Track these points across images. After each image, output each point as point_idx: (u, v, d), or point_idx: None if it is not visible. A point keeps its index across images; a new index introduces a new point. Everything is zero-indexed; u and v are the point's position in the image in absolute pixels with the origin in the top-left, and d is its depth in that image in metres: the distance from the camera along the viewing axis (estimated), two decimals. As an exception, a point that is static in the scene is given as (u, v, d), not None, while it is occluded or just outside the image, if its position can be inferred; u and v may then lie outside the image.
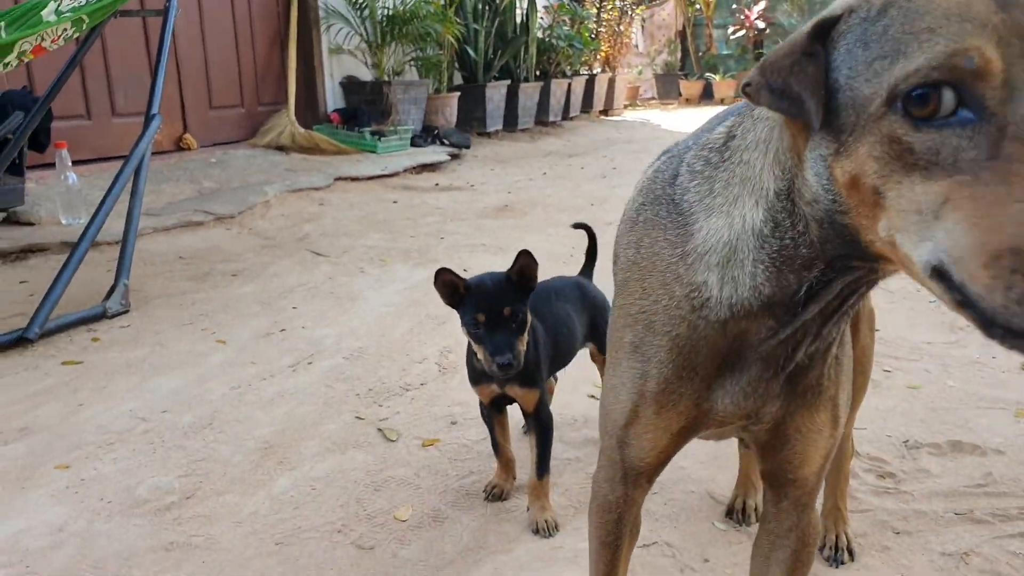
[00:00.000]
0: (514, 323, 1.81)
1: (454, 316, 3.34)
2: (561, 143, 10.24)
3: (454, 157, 8.29)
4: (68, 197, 4.82)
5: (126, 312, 3.50)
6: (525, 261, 1.85)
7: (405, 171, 7.36)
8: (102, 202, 3.59)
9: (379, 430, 2.44)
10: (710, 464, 2.25)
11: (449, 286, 1.86)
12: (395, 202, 6.19)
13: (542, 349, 2.01)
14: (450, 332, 3.27)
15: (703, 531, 1.95)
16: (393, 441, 2.38)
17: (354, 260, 4.44)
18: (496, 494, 2.08)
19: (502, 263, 4.43)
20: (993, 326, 0.69)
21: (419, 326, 3.35)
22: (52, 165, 4.95)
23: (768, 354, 1.00)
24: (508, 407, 2.12)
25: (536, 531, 1.94)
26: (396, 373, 2.86)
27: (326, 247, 4.72)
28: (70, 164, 4.83)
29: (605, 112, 14.10)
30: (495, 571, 1.81)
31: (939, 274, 0.72)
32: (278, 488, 2.13)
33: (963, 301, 0.71)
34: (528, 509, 1.99)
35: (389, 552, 1.87)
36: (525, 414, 2.03)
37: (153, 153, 4.81)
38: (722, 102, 19.05)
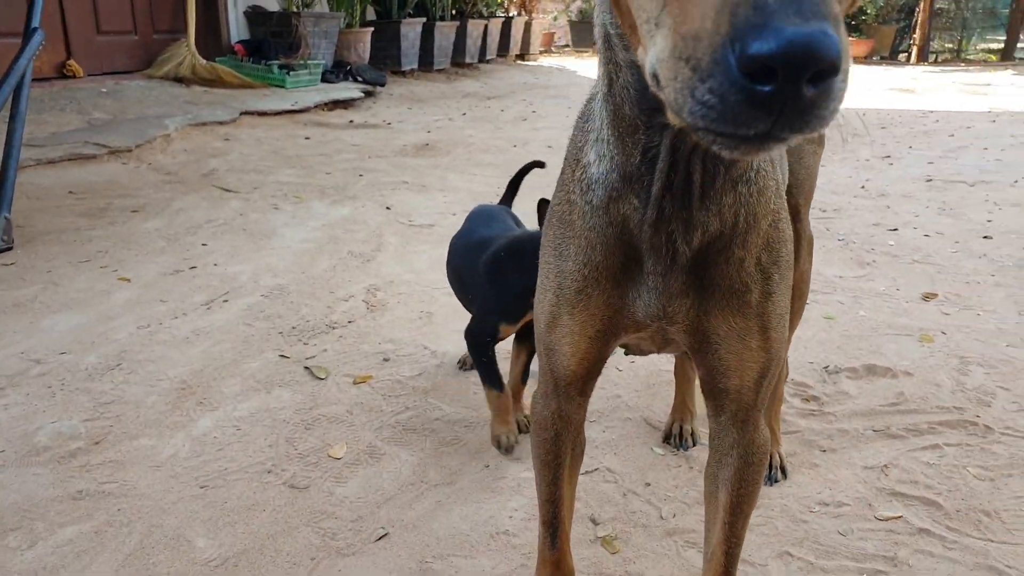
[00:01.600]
0: None
1: (380, 253, 3.22)
2: (479, 85, 10.01)
3: (368, 95, 7.97)
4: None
5: (9, 249, 3.19)
6: None
7: (316, 107, 7.02)
8: (-22, 126, 3.22)
9: (306, 368, 2.32)
10: (644, 392, 2.26)
11: None
12: (307, 138, 5.90)
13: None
14: (375, 270, 3.15)
15: (642, 456, 1.96)
16: (322, 379, 2.27)
17: (266, 196, 4.21)
18: (504, 445, 1.96)
19: (426, 202, 4.35)
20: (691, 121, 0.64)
21: (341, 263, 3.21)
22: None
23: (652, 243, 0.99)
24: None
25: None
26: (320, 311, 2.73)
27: (235, 183, 4.45)
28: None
29: (521, 57, 13.89)
30: (438, 503, 1.76)
31: (655, 80, 0.67)
32: (199, 429, 2.00)
33: (668, 103, 0.65)
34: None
35: (324, 491, 1.79)
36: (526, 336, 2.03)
37: (32, 79, 4.37)
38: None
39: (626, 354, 1.51)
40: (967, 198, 4.37)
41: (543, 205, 1.75)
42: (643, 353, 1.33)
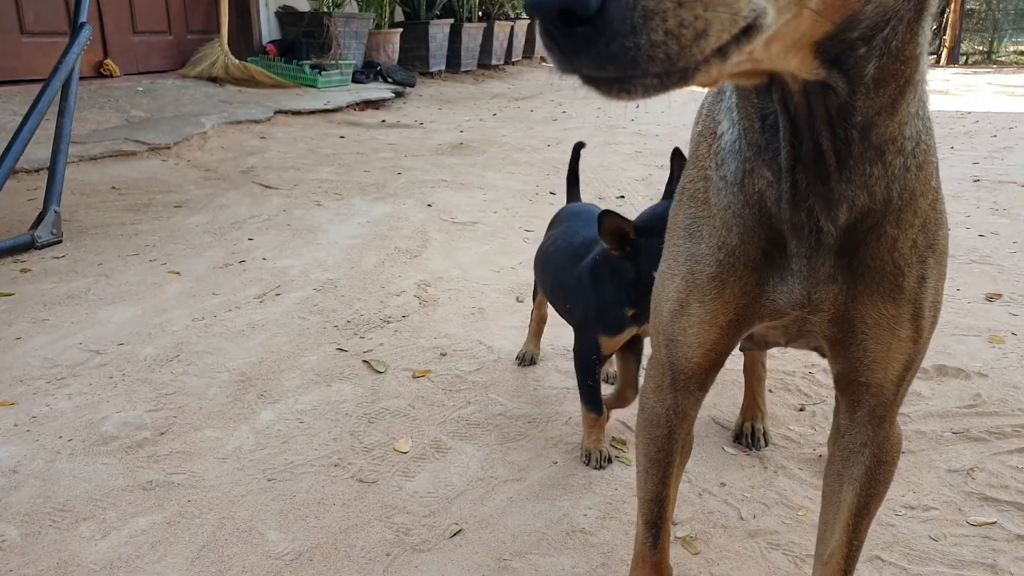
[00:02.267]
0: None
1: (426, 250, 3.17)
2: (506, 86, 10.00)
3: (398, 95, 7.98)
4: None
5: (58, 242, 3.20)
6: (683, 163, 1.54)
7: (348, 107, 7.03)
8: (26, 118, 3.24)
9: (365, 362, 2.30)
10: (711, 392, 2.21)
11: (616, 233, 1.62)
12: (342, 137, 5.89)
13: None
14: (423, 266, 3.12)
15: (714, 456, 1.91)
16: (381, 373, 2.24)
17: (307, 193, 4.20)
18: (596, 459, 1.85)
19: (466, 200, 4.33)
20: None
21: (389, 259, 3.18)
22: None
23: (792, 223, 0.91)
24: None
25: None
26: (374, 305, 2.70)
27: (275, 180, 4.44)
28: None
29: (545, 59, 13.88)
30: (509, 500, 1.72)
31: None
32: (262, 422, 1.97)
33: None
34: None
35: (393, 485, 1.75)
36: (633, 345, 1.87)
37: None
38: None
39: (741, 349, 1.46)
40: (1020, 198, 4.28)
41: (678, 155, 1.66)
42: (764, 346, 1.27)
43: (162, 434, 1.89)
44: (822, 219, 0.90)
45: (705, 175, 1.02)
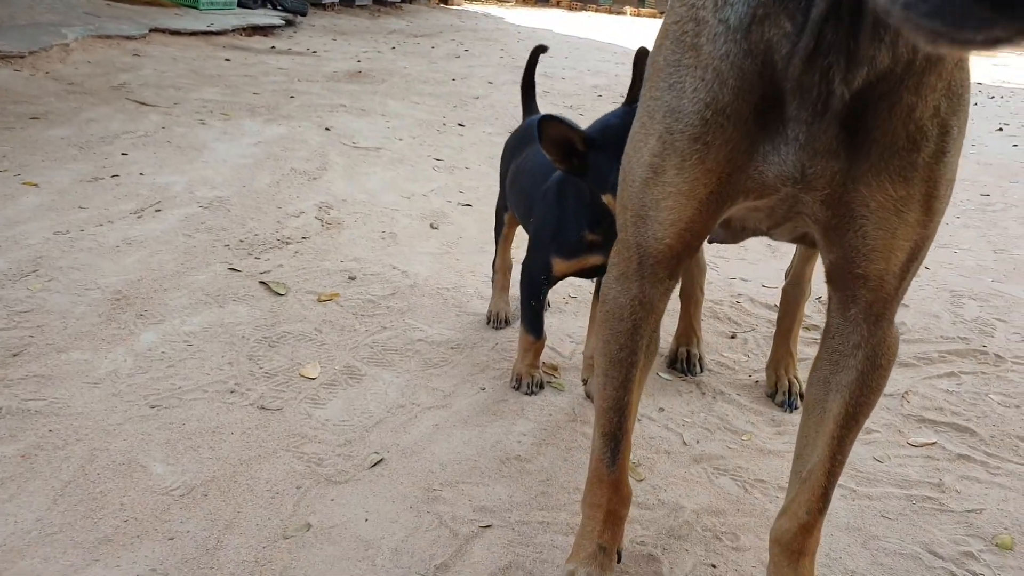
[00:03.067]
0: None
1: (327, 173, 2.88)
2: (404, 23, 9.53)
3: (288, 24, 7.42)
4: None
5: None
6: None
7: (234, 31, 6.45)
8: None
9: (262, 283, 2.03)
10: (639, 319, 2.10)
11: (560, 143, 1.38)
12: (227, 60, 5.38)
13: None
14: (325, 187, 2.84)
15: (649, 382, 1.80)
16: (282, 295, 1.98)
17: (189, 112, 3.77)
18: (526, 383, 1.69)
19: (368, 126, 4.02)
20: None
21: (285, 180, 2.87)
22: None
23: (800, 82, 0.78)
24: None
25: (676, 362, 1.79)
26: (270, 226, 2.41)
27: (152, 97, 3.97)
28: None
29: (445, 1, 13.42)
30: (435, 427, 1.54)
31: None
32: (142, 344, 1.69)
33: None
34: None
35: (301, 412, 1.53)
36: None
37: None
38: (557, 4, 18.84)
39: (710, 241, 1.32)
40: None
41: (643, 55, 1.37)
42: (743, 233, 1.13)
43: (15, 356, 1.58)
44: (836, 80, 0.76)
45: (697, 15, 0.84)
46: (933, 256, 2.67)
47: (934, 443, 1.61)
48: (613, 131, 1.37)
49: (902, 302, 2.20)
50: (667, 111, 0.87)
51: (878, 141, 0.81)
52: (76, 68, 4.45)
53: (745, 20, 0.80)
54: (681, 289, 1.92)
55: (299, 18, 7.83)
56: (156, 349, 1.67)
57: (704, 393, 1.77)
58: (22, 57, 4.36)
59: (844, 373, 0.98)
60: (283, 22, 7.32)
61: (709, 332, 2.06)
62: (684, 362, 1.87)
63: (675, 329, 1.91)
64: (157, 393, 1.53)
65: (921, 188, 0.84)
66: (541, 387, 1.72)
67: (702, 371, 1.87)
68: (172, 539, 1.18)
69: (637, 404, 1.13)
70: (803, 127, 0.81)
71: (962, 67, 0.83)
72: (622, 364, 1.05)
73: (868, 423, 1.66)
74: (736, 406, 1.72)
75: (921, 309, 2.23)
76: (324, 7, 9.09)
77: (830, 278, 0.96)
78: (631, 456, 1.50)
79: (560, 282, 1.67)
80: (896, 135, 0.81)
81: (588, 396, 1.70)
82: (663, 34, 0.90)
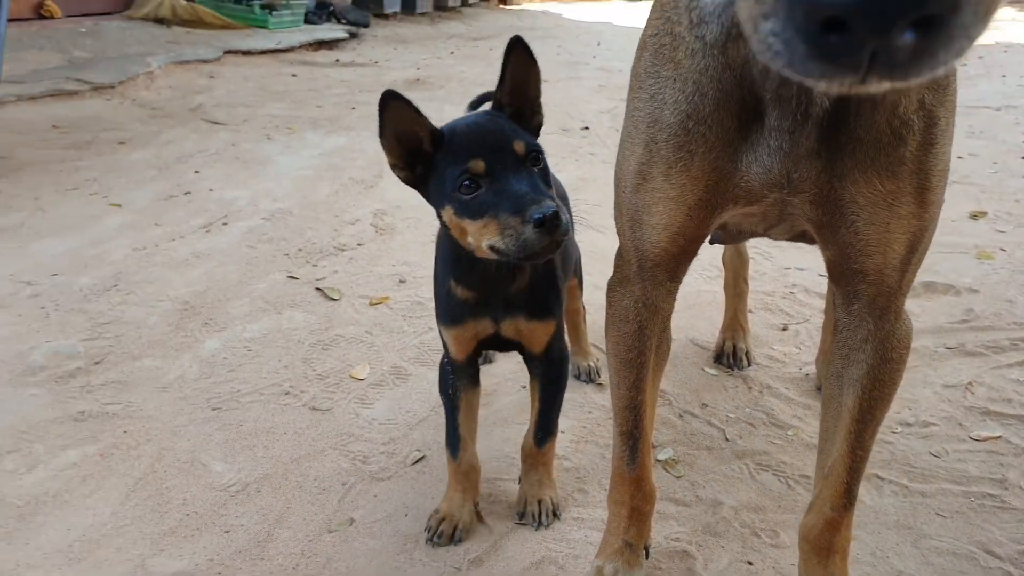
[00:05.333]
0: (536, 165, 1.09)
1: (382, 180, 2.95)
2: (464, 27, 9.65)
3: (352, 36, 7.64)
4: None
5: (-11, 179, 2.95)
6: (521, 62, 1.11)
7: (301, 47, 6.71)
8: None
9: (318, 289, 2.13)
10: (685, 313, 2.09)
11: (405, 136, 1.09)
12: (294, 76, 5.60)
13: (556, 258, 1.23)
14: (380, 195, 2.94)
15: (694, 377, 1.80)
16: (336, 300, 2.08)
17: (256, 128, 3.95)
18: (446, 533, 1.27)
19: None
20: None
21: (343, 189, 2.99)
22: None
23: (779, 93, 0.79)
24: (483, 364, 1.55)
25: (525, 515, 1.31)
26: (327, 234, 2.52)
27: (223, 116, 4.18)
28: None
29: (504, 1, 13.48)
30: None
31: None
32: (207, 351, 1.80)
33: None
34: (519, 482, 1.37)
35: (350, 412, 1.61)
36: (529, 357, 1.31)
37: (9, 20, 4.05)
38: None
39: (711, 242, 1.32)
40: (996, 121, 4.20)
41: (514, 45, 1.14)
42: (740, 236, 1.13)
43: (96, 363, 1.72)
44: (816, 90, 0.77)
45: (673, 31, 0.86)
46: (1009, 238, 2.54)
47: (999, 437, 1.54)
48: (467, 135, 1.09)
49: (971, 287, 2.11)
50: (650, 121, 0.90)
51: (862, 139, 0.81)
52: (158, 93, 4.73)
53: (720, 38, 0.81)
54: (725, 282, 1.90)
55: (362, 30, 8.04)
56: (219, 355, 1.79)
57: (750, 388, 1.76)
58: (112, 87, 4.68)
59: (855, 367, 0.97)
60: (347, 35, 7.54)
61: (760, 324, 2.03)
62: (730, 356, 1.85)
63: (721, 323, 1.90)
64: (218, 396, 1.64)
65: (911, 181, 0.83)
66: (460, 537, 1.27)
67: (749, 365, 1.85)
68: (228, 532, 1.28)
69: (654, 402, 1.15)
70: (785, 135, 0.82)
71: None
72: (632, 365, 1.07)
73: (925, 417, 1.62)
74: (783, 400, 1.70)
75: (993, 294, 2.13)
76: (386, 17, 9.30)
77: (831, 274, 0.96)
78: (671, 453, 1.52)
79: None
80: (880, 131, 0.81)
81: None
82: (642, 45, 0.93)
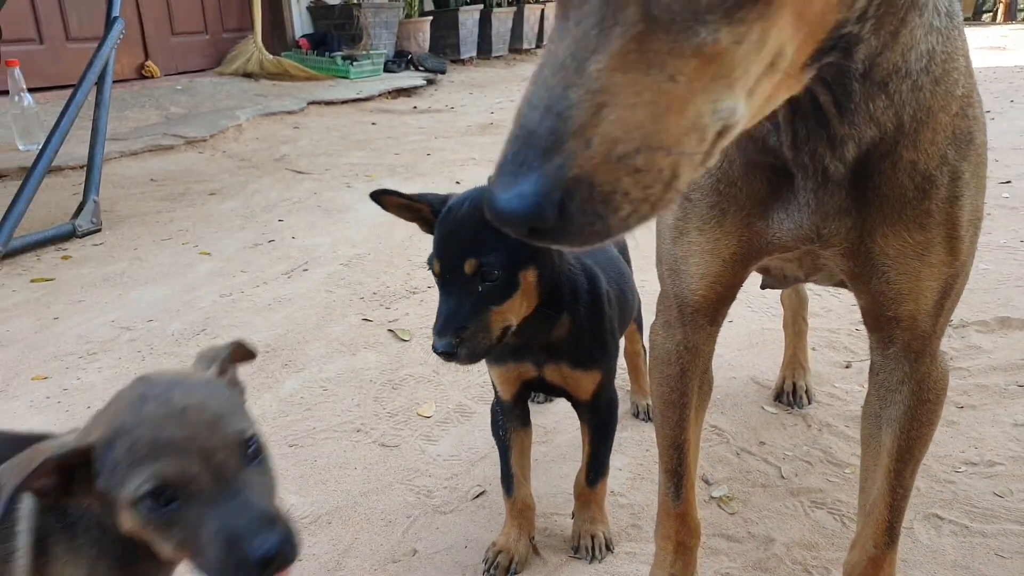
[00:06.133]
0: (485, 283, 1.12)
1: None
2: (539, 69, 9.88)
3: (430, 82, 7.95)
4: (24, 121, 4.45)
5: (97, 231, 3.24)
6: None
7: (380, 95, 7.03)
8: (65, 109, 3.28)
9: (390, 331, 2.25)
10: (748, 351, 2.11)
11: (407, 213, 1.25)
12: (373, 124, 5.89)
13: (606, 306, 1.31)
14: (451, 239, 3.07)
15: (753, 415, 1.81)
16: (406, 341, 2.19)
17: (338, 177, 4.18)
18: (502, 565, 1.33)
19: (495, 177, 4.23)
20: None
21: (417, 234, 3.08)
22: (4, 92, 4.55)
23: (796, 162, 0.84)
24: (539, 403, 1.70)
25: (579, 549, 1.37)
26: (400, 278, 2.65)
27: (306, 165, 4.45)
28: (24, 85, 4.43)
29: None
30: (535, 462, 1.64)
31: None
32: (286, 390, 1.94)
33: None
34: (572, 518, 1.42)
35: (416, 449, 1.70)
36: (576, 403, 1.35)
37: (114, 81, 4.44)
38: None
39: (762, 287, 1.36)
40: (1085, 151, 4.02)
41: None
42: (785, 281, 1.17)
43: (185, 404, 1.88)
44: (827, 159, 0.83)
45: None
46: (1091, 269, 2.44)
47: (1067, 476, 1.50)
48: (438, 237, 1.16)
49: (1046, 322, 2.04)
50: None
51: (887, 196, 0.85)
52: (246, 145, 5.07)
53: None
54: (784, 320, 1.91)
55: (439, 76, 8.35)
56: (297, 394, 1.92)
57: (810, 426, 1.76)
58: (204, 140, 5.05)
59: (893, 408, 1.00)
60: (424, 81, 7.84)
61: (823, 362, 2.02)
62: (790, 395, 1.86)
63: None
64: (295, 434, 1.76)
65: (940, 232, 0.87)
66: (516, 569, 1.33)
67: (809, 403, 1.84)
68: (301, 561, 1.37)
69: (697, 440, 1.19)
70: (811, 194, 0.87)
71: (965, 115, 0.85)
72: (675, 405, 1.12)
73: (991, 456, 1.58)
74: (843, 438, 1.69)
75: (1073, 329, 2.06)
76: (463, 62, 9.62)
77: (865, 320, 0.99)
78: (725, 490, 1.54)
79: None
80: (904, 188, 0.85)
81: None
82: None
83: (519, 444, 1.37)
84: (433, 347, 1.14)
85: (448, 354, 1.12)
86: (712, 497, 1.53)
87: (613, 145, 0.51)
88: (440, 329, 1.13)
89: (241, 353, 0.98)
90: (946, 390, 1.00)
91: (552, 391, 1.35)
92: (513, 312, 1.15)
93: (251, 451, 0.82)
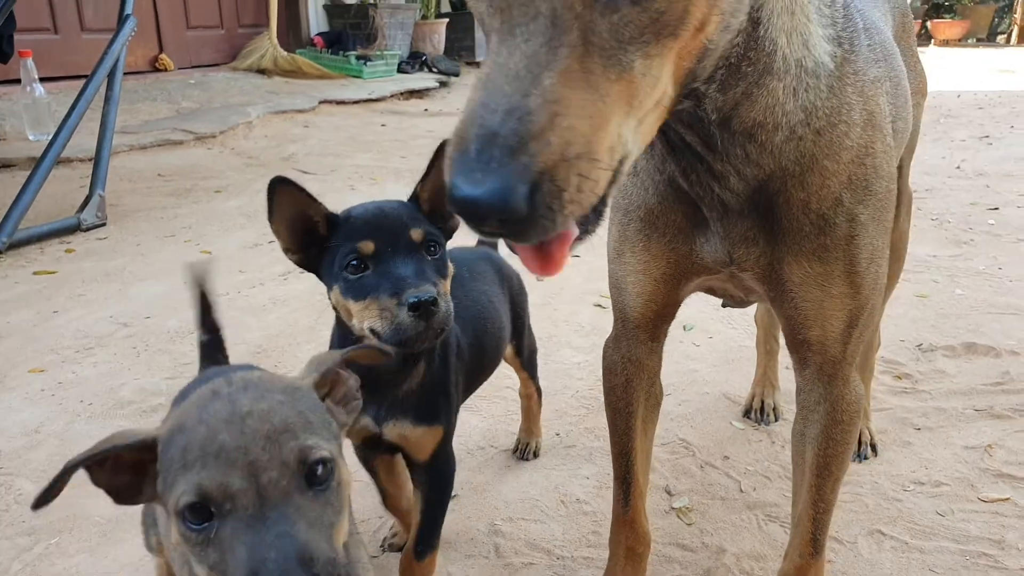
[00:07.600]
0: (431, 254, 1.08)
1: (462, 229, 3.14)
2: (551, 74, 9.96)
3: (443, 85, 8.02)
4: (35, 111, 4.56)
5: (102, 225, 3.33)
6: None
7: (392, 96, 7.11)
8: (74, 103, 3.38)
9: (377, 335, 2.33)
10: (723, 367, 2.17)
11: (297, 215, 1.08)
12: (383, 125, 5.97)
13: (453, 359, 1.24)
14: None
15: (721, 430, 1.88)
16: (392, 345, 2.27)
17: (343, 179, 4.27)
18: (399, 545, 1.42)
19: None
20: None
21: (414, 239, 3.21)
22: (17, 81, 4.67)
23: (693, 191, 0.95)
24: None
25: None
26: (392, 282, 2.73)
27: (313, 166, 4.53)
28: (36, 76, 4.54)
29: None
30: (507, 468, 1.72)
31: None
32: (273, 389, 2.02)
33: None
34: None
35: (393, 450, 1.78)
36: (412, 464, 1.24)
37: (128, 73, 4.53)
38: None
39: (723, 305, 1.44)
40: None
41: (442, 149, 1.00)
42: (735, 302, 1.25)
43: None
44: (717, 189, 0.92)
45: None
46: (1063, 299, 2.49)
47: (1007, 499, 1.56)
48: (363, 218, 1.08)
49: (1013, 350, 2.11)
50: (621, 210, 1.07)
51: (788, 228, 0.94)
52: (255, 143, 5.16)
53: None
54: (757, 339, 1.98)
55: (452, 78, 8.42)
56: (283, 394, 2.00)
57: (773, 442, 1.82)
58: (214, 137, 5.14)
59: (812, 426, 1.09)
60: (437, 84, 7.92)
61: (792, 381, 2.08)
62: (758, 412, 1.92)
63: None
64: (279, 432, 1.84)
65: (839, 266, 0.95)
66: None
67: (776, 420, 1.91)
68: None
69: (647, 451, 1.26)
70: (718, 223, 0.97)
71: (863, 163, 0.92)
72: (622, 414, 1.20)
73: (938, 477, 1.65)
74: (803, 456, 1.76)
75: (1035, 358, 2.12)
76: (478, 65, 9.70)
77: (786, 342, 1.08)
78: (686, 501, 1.61)
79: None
80: (800, 223, 0.93)
81: None
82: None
83: (384, 466, 1.38)
84: (414, 299, 0.99)
85: (433, 303, 0.99)
86: (673, 508, 1.60)
87: (567, 147, 0.59)
88: (413, 280, 1.00)
89: (366, 355, 0.87)
90: (859, 412, 1.08)
91: (389, 450, 1.24)
92: (446, 291, 1.09)
93: (315, 475, 0.71)
